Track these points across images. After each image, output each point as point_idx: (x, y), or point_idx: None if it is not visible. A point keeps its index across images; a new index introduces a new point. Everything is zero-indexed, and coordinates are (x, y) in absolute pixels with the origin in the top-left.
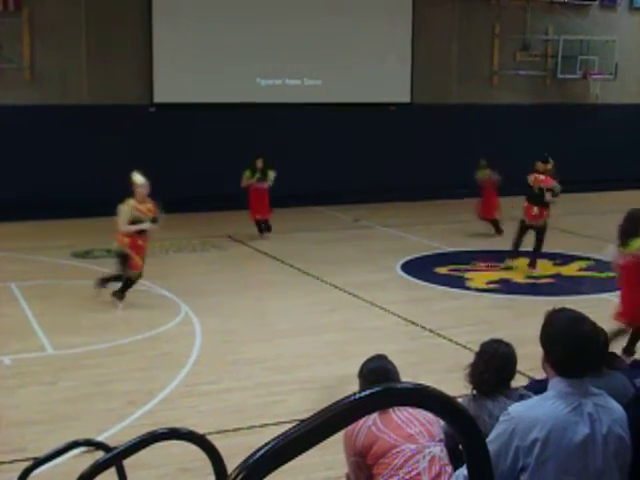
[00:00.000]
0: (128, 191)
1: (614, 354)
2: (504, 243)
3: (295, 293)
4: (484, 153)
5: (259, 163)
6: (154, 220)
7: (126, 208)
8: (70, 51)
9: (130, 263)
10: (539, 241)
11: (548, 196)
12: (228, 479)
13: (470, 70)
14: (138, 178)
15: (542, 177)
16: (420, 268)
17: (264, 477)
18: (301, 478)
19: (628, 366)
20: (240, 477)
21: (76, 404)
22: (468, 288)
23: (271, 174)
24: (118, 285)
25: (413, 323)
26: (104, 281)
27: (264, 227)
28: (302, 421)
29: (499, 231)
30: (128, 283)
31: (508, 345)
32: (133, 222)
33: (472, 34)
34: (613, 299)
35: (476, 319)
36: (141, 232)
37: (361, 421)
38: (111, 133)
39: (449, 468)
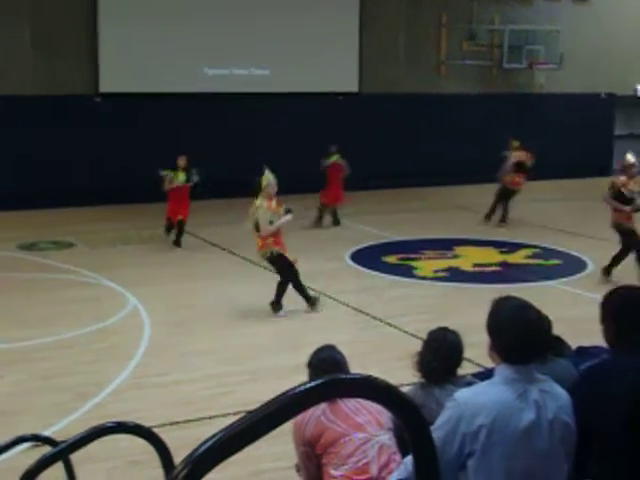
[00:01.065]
0: (73, 183)
1: (560, 340)
2: (450, 232)
3: (244, 283)
4: (432, 142)
5: (182, 162)
6: (288, 211)
7: (263, 210)
8: (12, 40)
9: (289, 262)
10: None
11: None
12: (173, 473)
13: (417, 59)
14: (270, 177)
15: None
16: (369, 257)
17: (210, 470)
18: (249, 469)
19: (574, 352)
20: (185, 471)
21: (24, 398)
22: (416, 277)
23: (195, 177)
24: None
25: (363, 312)
26: (278, 303)
27: (178, 228)
28: (249, 412)
29: (336, 222)
30: (284, 287)
31: (455, 333)
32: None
33: (419, 23)
34: (560, 287)
35: (425, 307)
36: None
37: (310, 411)
38: (56, 124)
39: (397, 456)
